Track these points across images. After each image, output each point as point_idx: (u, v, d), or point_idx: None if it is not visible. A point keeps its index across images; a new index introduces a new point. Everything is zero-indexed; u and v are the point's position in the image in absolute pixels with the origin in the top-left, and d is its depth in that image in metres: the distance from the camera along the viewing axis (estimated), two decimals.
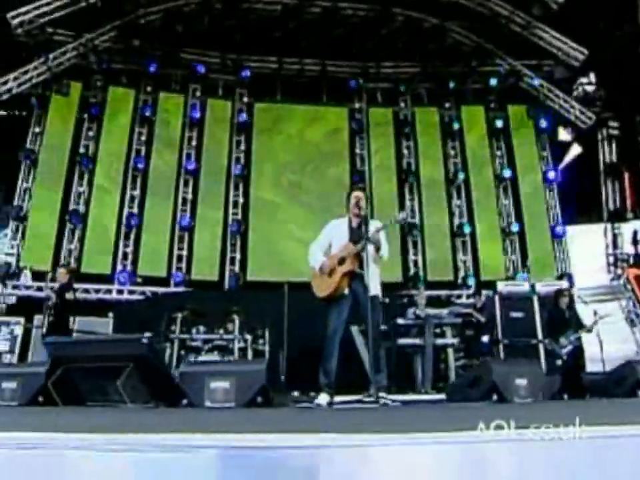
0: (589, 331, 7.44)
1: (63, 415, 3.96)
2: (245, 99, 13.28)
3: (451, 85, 13.01)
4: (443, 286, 12.17)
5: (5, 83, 11.24)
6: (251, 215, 12.59)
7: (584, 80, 14.15)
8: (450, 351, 8.87)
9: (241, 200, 12.73)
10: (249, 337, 8.65)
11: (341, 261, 4.83)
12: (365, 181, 13.03)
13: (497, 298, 9.12)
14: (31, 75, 11.36)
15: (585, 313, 8.87)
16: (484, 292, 9.59)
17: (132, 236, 12.11)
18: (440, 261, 12.47)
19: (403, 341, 8.43)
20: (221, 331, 8.46)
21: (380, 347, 4.87)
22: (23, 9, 10.47)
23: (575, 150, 15.10)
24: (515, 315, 9.01)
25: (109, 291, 11.70)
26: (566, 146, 14.85)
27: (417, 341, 8.40)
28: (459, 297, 11.88)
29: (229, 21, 12.36)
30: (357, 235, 4.96)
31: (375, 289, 4.85)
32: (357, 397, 4.83)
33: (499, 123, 13.03)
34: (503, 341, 8.89)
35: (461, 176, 12.92)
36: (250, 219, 12.58)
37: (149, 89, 12.74)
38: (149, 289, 11.80)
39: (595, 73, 13.97)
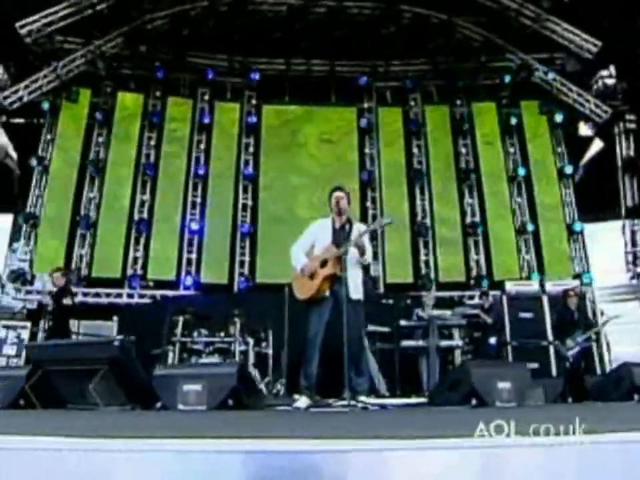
0: (598, 332, 7.13)
1: (42, 418, 3.95)
2: (254, 101, 13.28)
3: (461, 81, 12.75)
4: (455, 287, 11.90)
5: (16, 91, 11.46)
6: (260, 218, 12.55)
7: (604, 73, 13.71)
8: (457, 352, 8.67)
9: (250, 203, 12.70)
10: (250, 339, 8.57)
11: (323, 264, 4.72)
12: (375, 181, 12.88)
13: (504, 298, 8.84)
14: (40, 83, 11.56)
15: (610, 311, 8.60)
16: (492, 292, 9.31)
17: (142, 240, 12.19)
18: (452, 261, 12.21)
19: (406, 342, 8.27)
20: (222, 334, 8.39)
21: (361, 350, 4.73)
22: (31, 19, 10.65)
23: (597, 145, 14.66)
24: (523, 315, 8.72)
25: (120, 295, 11.80)
26: (587, 141, 14.43)
27: (421, 342, 8.23)
28: (472, 297, 11.60)
29: (235, 23, 12.36)
30: (340, 236, 4.85)
31: (356, 292, 4.75)
32: (330, 401, 4.68)
33: (512, 119, 12.71)
34: (512, 343, 8.62)
35: (473, 174, 12.64)
36: (259, 221, 12.54)
37: (157, 93, 12.84)
38: (159, 293, 11.86)
39: (615, 65, 13.54)
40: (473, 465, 1.82)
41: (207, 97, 13.15)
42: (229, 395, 4.07)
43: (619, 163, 12.89)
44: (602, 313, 7.29)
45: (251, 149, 13.04)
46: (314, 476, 1.80)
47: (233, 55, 13.06)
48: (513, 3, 11.33)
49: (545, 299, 8.72)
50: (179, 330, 8.53)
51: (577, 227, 12.15)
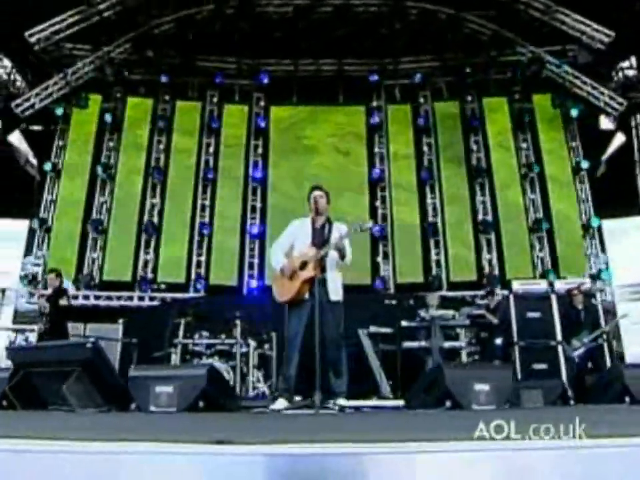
0: (605, 332, 6.85)
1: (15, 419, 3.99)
2: (262, 103, 13.27)
3: (471, 77, 12.50)
4: (467, 286, 11.65)
5: (28, 99, 11.69)
6: (269, 220, 12.52)
7: (624, 64, 13.28)
8: (463, 353, 8.48)
9: (259, 205, 12.69)
10: (252, 341, 8.54)
11: (303, 265, 4.65)
12: (385, 180, 12.73)
13: (511, 297, 8.57)
14: (51, 90, 11.77)
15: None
16: (498, 291, 9.06)
17: (152, 244, 12.29)
18: (463, 261, 11.96)
19: (408, 343, 8.12)
20: (223, 336, 8.37)
21: (340, 352, 4.63)
22: (39, 27, 10.84)
23: (619, 139, 14.20)
24: (531, 315, 8.40)
25: (131, 298, 11.91)
26: (609, 135, 13.98)
27: (423, 343, 8.06)
28: (483, 297, 11.33)
29: (241, 25, 12.36)
30: (320, 236, 4.78)
31: (335, 294, 4.71)
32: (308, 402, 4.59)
33: (524, 114, 12.39)
34: (518, 343, 8.36)
35: (484, 171, 12.38)
36: (268, 223, 12.51)
37: (166, 97, 12.93)
38: (169, 295, 11.92)
39: (636, 56, 13.09)
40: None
41: (215, 100, 13.20)
42: (199, 397, 4.05)
43: (637, 157, 12.43)
44: (605, 311, 6.99)
45: (260, 150, 13.03)
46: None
47: (240, 57, 13.07)
48: None
49: (554, 298, 8.40)
50: (180, 332, 8.59)
51: (594, 223, 11.78)
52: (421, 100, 13.15)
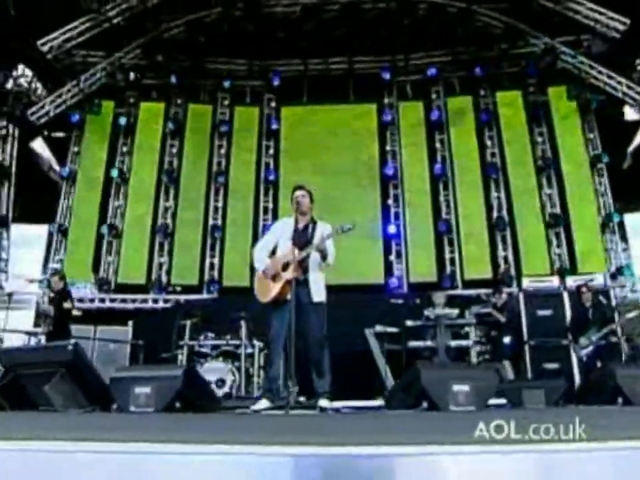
0: (613, 331, 6.59)
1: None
2: (273, 104, 13.28)
3: (484, 70, 12.25)
4: (482, 284, 11.40)
5: (43, 106, 11.95)
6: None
7: None
8: (473, 352, 8.31)
9: (271, 205, 12.70)
10: (258, 342, 8.52)
11: (285, 267, 4.60)
12: (397, 177, 12.58)
13: (521, 295, 8.37)
14: (65, 98, 12.00)
15: None
16: (507, 289, 8.84)
17: (166, 246, 12.41)
18: (477, 258, 11.72)
19: (414, 343, 7.99)
20: (228, 337, 8.38)
21: (322, 352, 4.56)
22: (51, 35, 11.07)
23: None
24: (542, 313, 8.23)
25: (145, 301, 12.05)
26: (635, 126, 13.50)
27: (429, 342, 7.93)
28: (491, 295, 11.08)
29: (249, 27, 12.39)
30: (302, 237, 4.72)
31: (318, 295, 4.65)
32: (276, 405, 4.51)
33: (539, 107, 12.09)
34: (529, 342, 8.15)
35: (499, 167, 12.12)
36: None
37: (178, 101, 13.06)
38: (183, 298, 12.02)
39: None
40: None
41: (226, 102, 13.27)
42: (175, 398, 4.04)
43: None
44: (613, 310, 6.72)
45: (271, 152, 13.04)
46: None
47: (250, 58, 13.11)
48: None
49: (566, 296, 8.18)
50: (186, 334, 8.63)
51: (615, 217, 11.39)
52: (433, 96, 12.96)
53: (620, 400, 4.06)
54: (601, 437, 1.91)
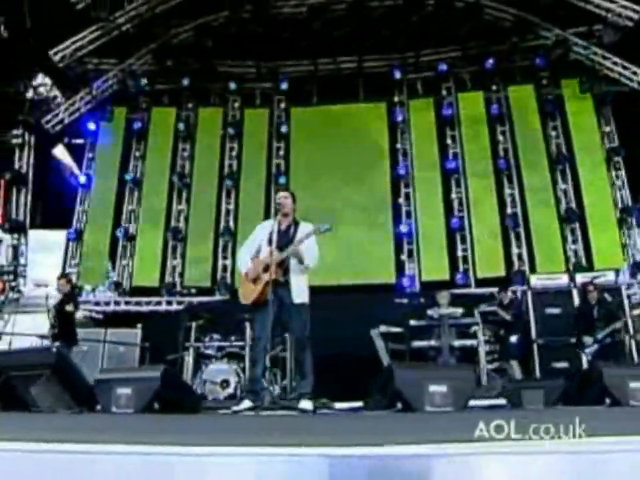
0: (617, 330, 6.39)
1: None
2: (283, 105, 13.30)
3: (495, 64, 12.05)
4: (495, 283, 11.18)
5: (57, 114, 12.22)
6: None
7: None
8: (481, 352, 8.16)
9: None
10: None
11: (266, 269, 4.61)
12: (408, 176, 12.46)
13: (529, 293, 8.18)
14: (78, 105, 12.26)
15: None
16: (514, 287, 8.65)
17: (179, 249, 12.55)
18: (490, 256, 11.51)
19: (417, 343, 7.90)
20: (233, 338, 8.42)
21: (304, 353, 4.54)
22: (62, 45, 11.31)
23: None
24: (550, 311, 8.05)
25: (159, 303, 12.19)
26: None
27: (433, 342, 7.83)
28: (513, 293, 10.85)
29: (258, 29, 12.42)
30: (284, 239, 4.73)
31: (299, 296, 4.65)
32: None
33: (552, 101, 11.82)
34: (537, 341, 7.97)
35: (512, 162, 11.90)
36: None
37: (189, 105, 13.19)
38: (196, 299, 12.13)
39: None
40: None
41: (237, 105, 13.35)
42: (154, 398, 4.08)
43: None
44: (617, 309, 6.50)
45: (282, 153, 13.05)
46: None
47: (259, 60, 13.15)
48: None
49: (575, 293, 7.98)
50: (192, 335, 8.71)
51: (632, 212, 11.06)
52: (444, 92, 12.80)
53: (607, 400, 3.93)
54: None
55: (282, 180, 12.73)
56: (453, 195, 12.12)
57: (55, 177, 14.53)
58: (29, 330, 8.53)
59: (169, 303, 12.14)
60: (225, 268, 12.44)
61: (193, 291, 12.32)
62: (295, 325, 4.53)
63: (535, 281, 8.43)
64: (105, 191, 12.72)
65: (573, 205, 11.40)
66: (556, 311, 7.98)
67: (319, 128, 13.05)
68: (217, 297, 12.06)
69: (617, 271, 8.58)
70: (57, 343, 5.94)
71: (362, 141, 12.82)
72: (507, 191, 11.88)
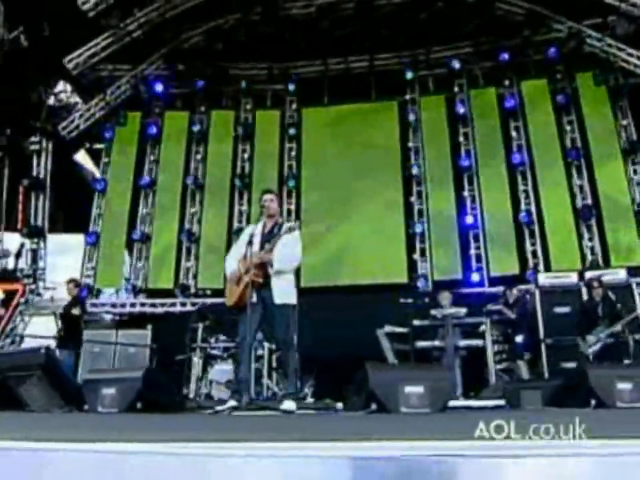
0: (621, 329, 6.19)
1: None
2: (294, 106, 13.32)
3: (508, 58, 11.84)
4: (508, 281, 10.98)
5: (72, 121, 12.50)
6: (303, 221, 12.49)
7: None
8: (489, 352, 8.04)
9: (293, 207, 12.75)
10: (267, 344, 8.59)
11: (247, 270, 4.63)
12: (420, 176, 12.34)
13: (537, 292, 8.01)
14: (93, 111, 12.51)
15: None
16: (519, 285, 8.48)
17: (192, 251, 12.69)
18: (504, 253, 11.32)
19: (421, 343, 7.83)
20: (237, 339, 8.46)
21: (288, 354, 4.54)
22: (76, 53, 11.56)
23: None
24: (559, 310, 7.85)
25: (174, 305, 12.35)
26: None
27: (437, 342, 7.74)
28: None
29: (268, 31, 12.47)
30: (267, 239, 4.74)
31: (280, 297, 4.65)
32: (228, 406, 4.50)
33: (567, 95, 11.55)
34: (545, 341, 7.80)
35: (526, 158, 11.67)
36: (302, 225, 12.48)
37: (202, 108, 13.32)
38: (209, 301, 12.23)
39: None
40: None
41: (249, 107, 13.43)
42: (136, 398, 4.14)
43: None
44: (621, 308, 6.29)
45: (294, 154, 13.08)
46: None
47: (270, 62, 13.20)
48: None
49: (584, 291, 7.77)
50: (199, 336, 8.82)
51: None
52: (456, 89, 12.64)
53: (593, 402, 3.82)
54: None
55: (292, 179, 12.76)
56: (466, 193, 11.98)
57: (77, 181, 14.92)
58: (42, 332, 8.76)
59: (183, 304, 12.30)
60: None
61: (208, 292, 12.44)
62: (278, 326, 4.54)
63: (543, 279, 8.23)
64: (120, 194, 12.94)
65: (589, 201, 11.12)
66: (565, 310, 7.79)
67: (331, 128, 13.04)
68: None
69: (630, 269, 8.28)
70: (53, 346, 6.05)
71: (374, 140, 12.76)
72: (521, 187, 11.65)
